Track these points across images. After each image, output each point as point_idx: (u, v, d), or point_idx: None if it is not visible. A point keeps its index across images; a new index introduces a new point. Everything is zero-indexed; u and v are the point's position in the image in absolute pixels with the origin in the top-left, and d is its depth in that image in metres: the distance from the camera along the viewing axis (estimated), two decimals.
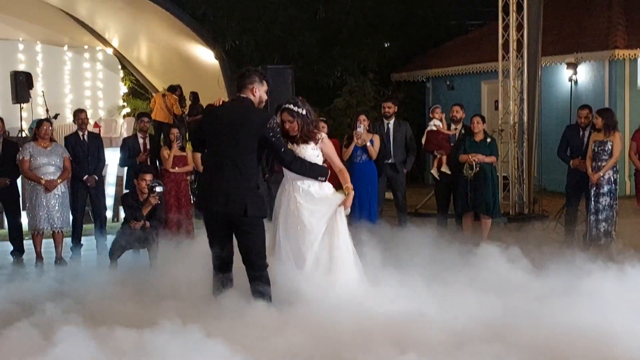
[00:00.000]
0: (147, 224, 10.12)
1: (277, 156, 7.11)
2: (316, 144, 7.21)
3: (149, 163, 11.98)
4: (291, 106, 7.15)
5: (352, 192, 7.19)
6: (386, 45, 22.07)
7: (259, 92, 6.96)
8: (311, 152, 7.17)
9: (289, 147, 7.08)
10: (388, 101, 12.78)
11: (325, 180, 7.17)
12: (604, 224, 10.94)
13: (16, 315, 7.20)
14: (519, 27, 14.00)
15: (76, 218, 11.75)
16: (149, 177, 10.29)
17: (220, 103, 7.38)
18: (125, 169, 12.81)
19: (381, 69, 21.21)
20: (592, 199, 11.02)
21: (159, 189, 10.20)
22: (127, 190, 11.68)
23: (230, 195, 6.75)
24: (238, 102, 7.02)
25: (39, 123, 11.41)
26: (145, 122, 12.47)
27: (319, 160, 7.24)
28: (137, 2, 18.58)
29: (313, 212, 7.07)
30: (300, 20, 20.19)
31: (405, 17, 22.04)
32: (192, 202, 11.96)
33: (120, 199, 10.93)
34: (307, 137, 7.17)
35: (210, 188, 6.93)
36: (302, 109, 7.16)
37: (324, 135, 7.35)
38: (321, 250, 7.05)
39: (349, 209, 7.24)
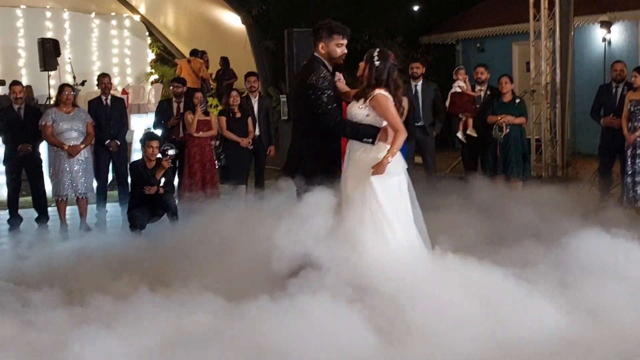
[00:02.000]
0: (161, 189, 10.00)
1: (317, 117, 6.48)
2: (365, 101, 6.38)
3: (179, 125, 11.86)
4: (374, 51, 6.47)
5: (388, 159, 6.20)
6: (415, 9, 21.67)
7: (326, 48, 6.56)
8: (358, 111, 6.43)
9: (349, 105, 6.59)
10: (416, 61, 12.51)
11: (372, 142, 6.32)
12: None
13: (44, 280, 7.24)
14: None
15: (100, 183, 11.67)
16: (155, 143, 10.19)
17: None
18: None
19: (410, 32, 20.84)
20: (629, 160, 10.64)
21: (171, 152, 10.09)
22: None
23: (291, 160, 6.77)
24: (304, 65, 6.79)
25: (61, 88, 11.29)
26: (176, 87, 12.30)
27: (369, 119, 6.39)
28: None
29: (353, 181, 6.34)
30: None
31: None
32: (216, 167, 11.83)
33: (129, 167, 10.79)
34: (360, 93, 6.48)
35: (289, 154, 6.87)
36: (378, 60, 6.38)
37: (377, 92, 6.34)
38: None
39: (380, 174, 6.20)
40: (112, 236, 10.29)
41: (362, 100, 6.41)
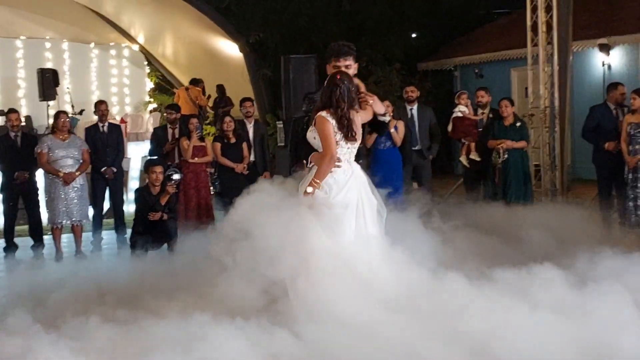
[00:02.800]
0: (165, 215, 9.95)
1: None
2: (313, 125, 6.40)
3: (175, 153, 11.81)
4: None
5: (311, 189, 6.24)
6: (413, 36, 21.69)
7: (330, 69, 6.64)
8: (309, 134, 6.44)
9: None
10: (410, 85, 12.49)
11: (307, 164, 6.41)
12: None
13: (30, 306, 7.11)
14: (548, 9, 13.55)
15: (96, 210, 11.60)
16: (159, 169, 10.16)
17: None
18: None
19: (408, 58, 20.84)
20: (630, 184, 10.55)
21: (176, 176, 10.03)
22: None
23: None
24: None
25: (57, 115, 11.29)
26: (169, 113, 12.27)
27: (316, 142, 6.36)
28: None
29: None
30: (325, 11, 19.91)
31: (431, 6, 21.66)
32: (211, 193, 11.77)
33: (135, 193, 10.72)
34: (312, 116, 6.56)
35: None
36: (326, 85, 6.36)
37: (320, 115, 6.30)
38: None
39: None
40: (102, 263, 10.19)
41: (312, 125, 6.44)
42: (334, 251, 6.09)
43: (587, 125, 11.42)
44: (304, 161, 6.45)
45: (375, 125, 6.91)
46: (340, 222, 6.22)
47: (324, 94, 6.36)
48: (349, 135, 6.29)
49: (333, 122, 6.27)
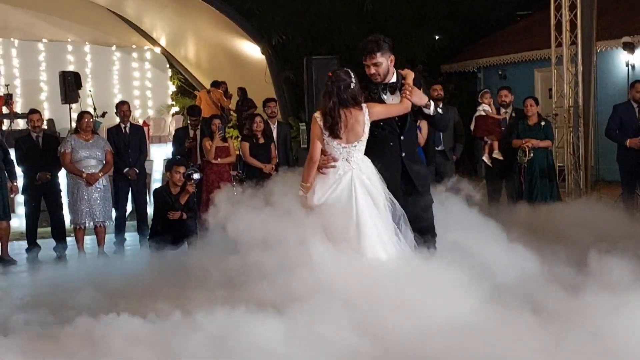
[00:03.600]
0: (184, 215, 9.92)
1: None
2: None
3: (197, 151, 11.79)
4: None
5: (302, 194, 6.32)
6: (436, 38, 21.59)
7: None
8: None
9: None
10: (437, 84, 12.41)
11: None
12: None
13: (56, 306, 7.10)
14: (572, 8, 13.45)
15: (118, 212, 11.59)
16: (182, 169, 10.10)
17: None
18: None
19: (430, 60, 20.75)
20: None
21: (196, 176, 10.00)
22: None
23: None
24: None
25: (80, 115, 11.26)
26: (193, 119, 12.24)
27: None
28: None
29: None
30: (347, 13, 19.86)
31: (453, 7, 21.57)
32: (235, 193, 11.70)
33: (153, 193, 10.71)
34: None
35: None
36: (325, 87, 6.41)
37: (314, 115, 6.43)
38: None
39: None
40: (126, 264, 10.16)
41: None
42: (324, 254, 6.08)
43: (610, 124, 11.37)
44: None
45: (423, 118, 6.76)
46: (330, 222, 6.19)
47: (322, 96, 6.39)
48: (334, 134, 6.25)
49: (321, 122, 6.28)
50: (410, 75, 6.49)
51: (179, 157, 11.39)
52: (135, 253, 11.11)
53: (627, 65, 17.35)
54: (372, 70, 6.47)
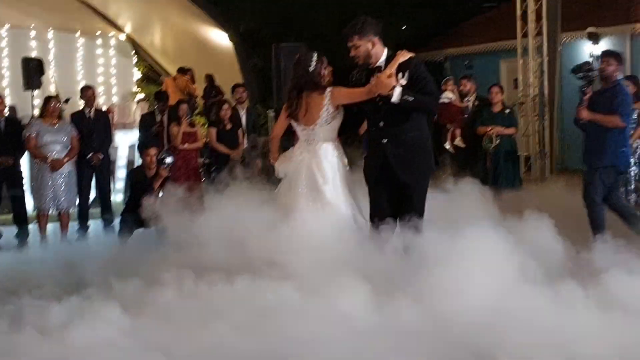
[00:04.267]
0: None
1: None
2: None
3: (164, 137, 11.70)
4: None
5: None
6: (403, 28, 21.62)
7: None
8: None
9: None
10: None
11: None
12: (633, 195, 10.48)
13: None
14: None
15: (82, 199, 11.44)
16: (153, 151, 10.02)
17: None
18: None
19: (398, 49, 20.72)
20: None
21: (169, 159, 9.92)
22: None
23: None
24: None
25: (47, 100, 11.12)
26: (160, 104, 12.15)
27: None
28: None
29: None
30: (316, 1, 19.85)
31: None
32: (202, 180, 11.67)
33: (129, 172, 10.61)
34: None
35: None
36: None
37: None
38: None
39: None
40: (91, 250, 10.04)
41: None
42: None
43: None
44: None
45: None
46: (280, 195, 6.62)
47: None
48: (292, 116, 6.55)
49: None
50: (397, 59, 6.41)
51: (150, 140, 11.27)
52: (99, 240, 10.99)
53: (590, 56, 17.49)
54: (352, 53, 6.52)
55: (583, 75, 8.78)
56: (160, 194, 9.78)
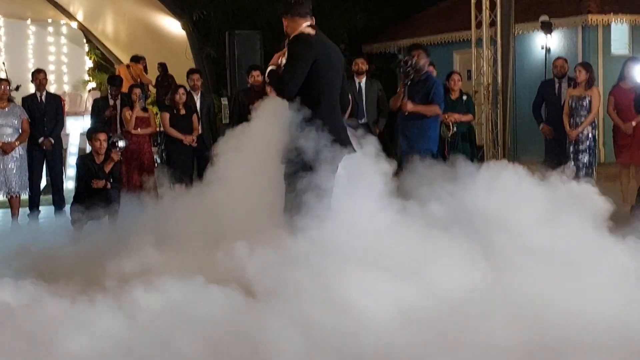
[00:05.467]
0: (109, 184, 9.68)
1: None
2: None
3: (117, 121, 11.56)
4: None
5: None
6: (355, 21, 21.62)
7: None
8: None
9: None
10: (360, 57, 12.45)
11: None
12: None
13: None
14: None
15: (33, 183, 11.26)
16: (102, 136, 9.77)
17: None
18: None
19: (352, 40, 20.79)
20: (571, 156, 10.70)
21: (121, 143, 9.76)
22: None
23: None
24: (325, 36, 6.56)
25: None
26: (113, 89, 12.00)
27: None
28: None
29: None
30: None
31: None
32: (155, 164, 11.56)
33: (77, 160, 10.43)
34: None
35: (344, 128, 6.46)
36: None
37: None
38: None
39: None
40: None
41: None
42: None
43: (535, 101, 11.69)
44: None
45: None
46: None
47: None
48: None
49: None
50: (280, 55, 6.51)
51: (98, 125, 11.13)
52: (51, 225, 10.85)
53: (542, 48, 17.68)
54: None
55: (405, 69, 9.34)
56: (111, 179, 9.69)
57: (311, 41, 6.29)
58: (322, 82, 6.27)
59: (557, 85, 11.45)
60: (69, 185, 13.60)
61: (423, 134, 9.27)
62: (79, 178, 10.05)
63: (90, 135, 10.07)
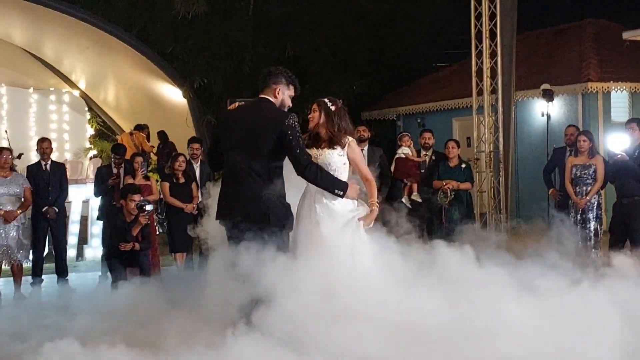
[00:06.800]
0: (137, 245, 9.65)
1: (292, 157, 6.27)
2: (342, 148, 6.44)
3: (119, 189, 11.54)
4: (324, 99, 6.57)
5: (376, 209, 6.43)
6: (355, 87, 21.80)
7: (282, 94, 6.45)
8: (337, 158, 6.42)
9: (313, 152, 6.44)
10: (362, 125, 12.51)
11: (343, 196, 6.32)
12: (593, 251, 10.58)
13: None
14: (493, 55, 13.82)
15: (36, 251, 11.22)
16: (137, 197, 9.89)
17: (236, 106, 6.70)
18: (99, 200, 12.23)
19: (351, 107, 20.77)
20: (579, 225, 10.66)
21: (149, 207, 9.79)
22: (109, 211, 11.35)
23: (249, 203, 6.23)
24: (256, 103, 6.48)
25: None
26: (117, 157, 12.01)
27: (345, 167, 6.47)
28: (104, 41, 18.25)
29: (333, 228, 6.32)
30: (269, 57, 19.94)
31: (374, 55, 21.91)
32: (157, 232, 11.52)
33: (106, 212, 10.56)
34: (332, 140, 6.44)
35: (228, 197, 6.36)
36: (332, 105, 6.53)
37: (351, 139, 6.52)
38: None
39: (370, 224, 6.42)
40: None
41: (338, 148, 6.40)
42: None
43: (546, 166, 11.94)
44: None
45: None
46: None
47: (338, 118, 6.56)
48: None
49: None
50: None
51: (134, 184, 10.93)
52: (53, 296, 10.75)
53: (542, 115, 17.79)
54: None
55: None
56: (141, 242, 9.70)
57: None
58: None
59: (567, 153, 11.53)
60: (71, 253, 13.54)
61: None
62: (110, 235, 10.03)
63: (125, 194, 10.03)
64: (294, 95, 6.57)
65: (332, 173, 6.38)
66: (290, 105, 6.55)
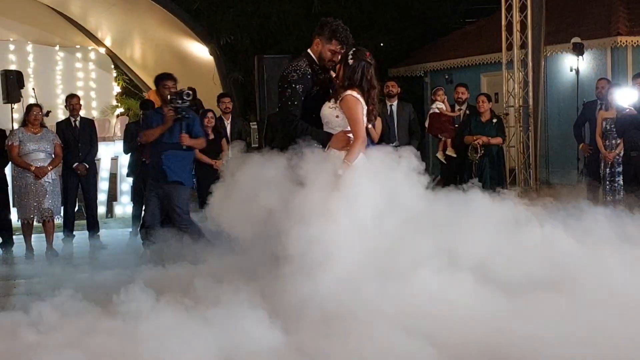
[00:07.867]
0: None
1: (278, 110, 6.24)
2: (336, 101, 6.07)
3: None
4: (349, 52, 6.21)
5: (342, 173, 5.81)
6: (382, 44, 21.64)
7: (320, 47, 6.29)
8: (328, 111, 6.12)
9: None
10: (392, 80, 12.43)
11: (324, 149, 5.98)
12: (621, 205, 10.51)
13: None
14: (522, 8, 13.63)
15: (67, 208, 11.31)
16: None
17: None
18: (128, 157, 12.26)
19: (379, 63, 20.59)
20: (608, 179, 10.61)
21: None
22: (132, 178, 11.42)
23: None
24: (292, 58, 6.54)
25: (29, 108, 11.04)
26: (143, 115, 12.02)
27: (337, 121, 6.08)
28: None
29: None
30: (296, 14, 19.79)
31: (402, 11, 21.68)
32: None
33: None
34: (334, 92, 6.16)
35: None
36: (353, 61, 6.10)
37: (347, 93, 6.03)
38: None
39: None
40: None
41: (333, 100, 6.14)
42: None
43: (577, 120, 11.84)
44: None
45: None
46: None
47: (350, 71, 6.10)
48: (371, 118, 6.26)
49: (362, 102, 6.10)
50: None
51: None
52: (85, 251, 10.87)
53: (571, 70, 17.57)
54: (336, 59, 6.35)
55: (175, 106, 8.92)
56: None
57: None
58: None
59: (598, 107, 11.40)
60: (100, 209, 13.63)
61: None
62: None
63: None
64: (336, 50, 6.34)
65: (326, 126, 6.18)
66: (332, 59, 6.33)
